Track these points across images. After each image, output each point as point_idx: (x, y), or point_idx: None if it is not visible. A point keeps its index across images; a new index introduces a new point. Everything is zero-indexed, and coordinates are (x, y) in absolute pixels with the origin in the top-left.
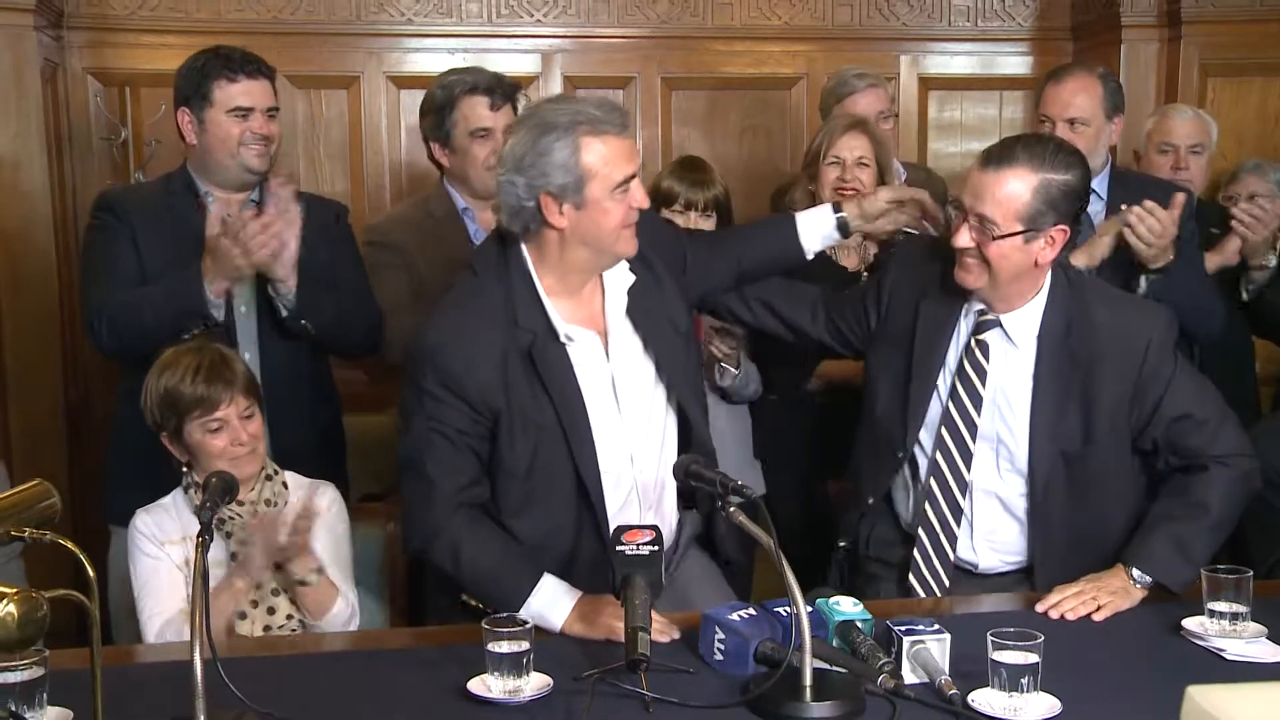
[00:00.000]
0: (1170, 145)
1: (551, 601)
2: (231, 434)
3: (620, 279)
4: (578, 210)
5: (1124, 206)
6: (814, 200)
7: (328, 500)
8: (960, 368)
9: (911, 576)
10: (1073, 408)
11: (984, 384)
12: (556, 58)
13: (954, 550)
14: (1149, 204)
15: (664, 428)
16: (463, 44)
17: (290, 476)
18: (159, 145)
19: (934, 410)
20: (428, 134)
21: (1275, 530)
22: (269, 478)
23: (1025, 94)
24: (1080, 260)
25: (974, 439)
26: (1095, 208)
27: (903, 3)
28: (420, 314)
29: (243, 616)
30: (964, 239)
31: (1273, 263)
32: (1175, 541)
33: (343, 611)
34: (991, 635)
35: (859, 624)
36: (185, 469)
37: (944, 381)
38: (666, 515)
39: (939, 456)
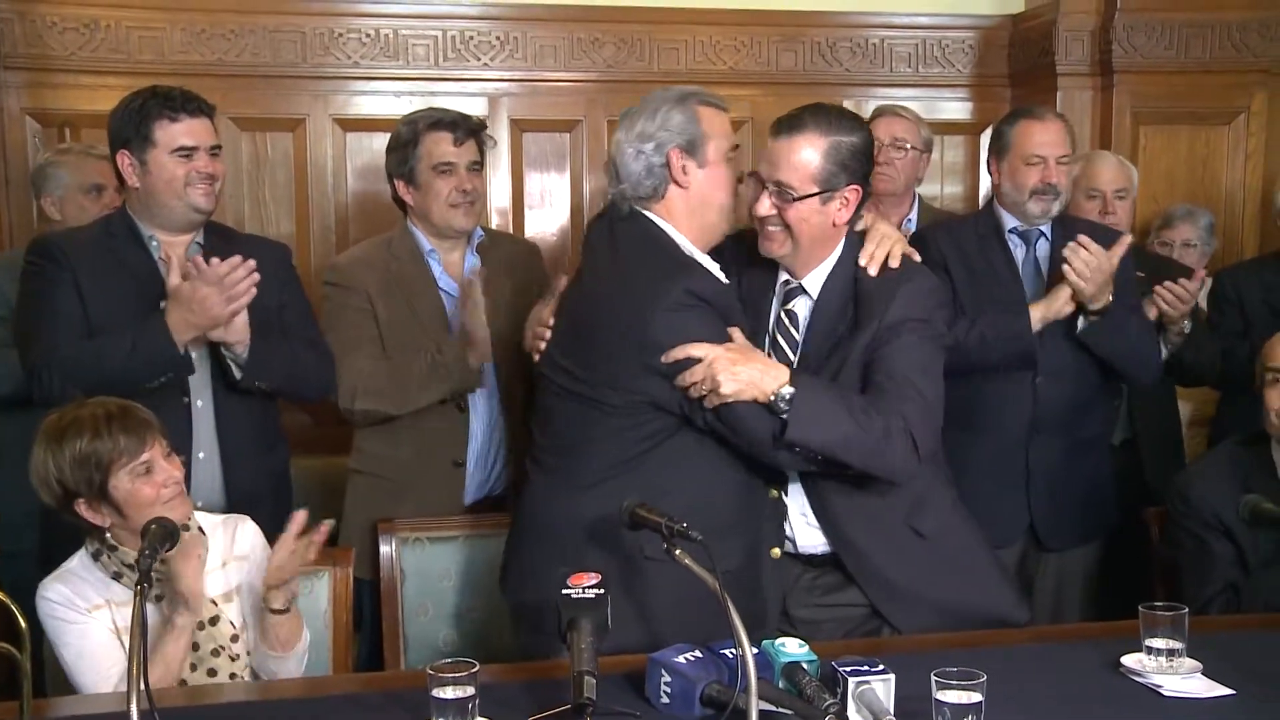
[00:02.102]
0: (1097, 191)
1: None
2: (162, 474)
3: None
4: (700, 169)
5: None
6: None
7: (250, 535)
8: (774, 340)
9: None
10: (834, 354)
11: (795, 353)
12: (503, 101)
13: (780, 532)
14: (1082, 238)
15: None
16: (409, 87)
17: (202, 518)
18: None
19: None
20: (392, 171)
21: (1210, 569)
22: (184, 528)
23: (965, 138)
24: (1037, 314)
25: None
26: (1044, 250)
27: (846, 49)
28: (377, 357)
29: (183, 684)
30: (764, 207)
31: (1188, 328)
32: (834, 393)
33: (304, 644)
34: (935, 675)
35: (805, 665)
36: (108, 533)
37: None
38: None
39: None
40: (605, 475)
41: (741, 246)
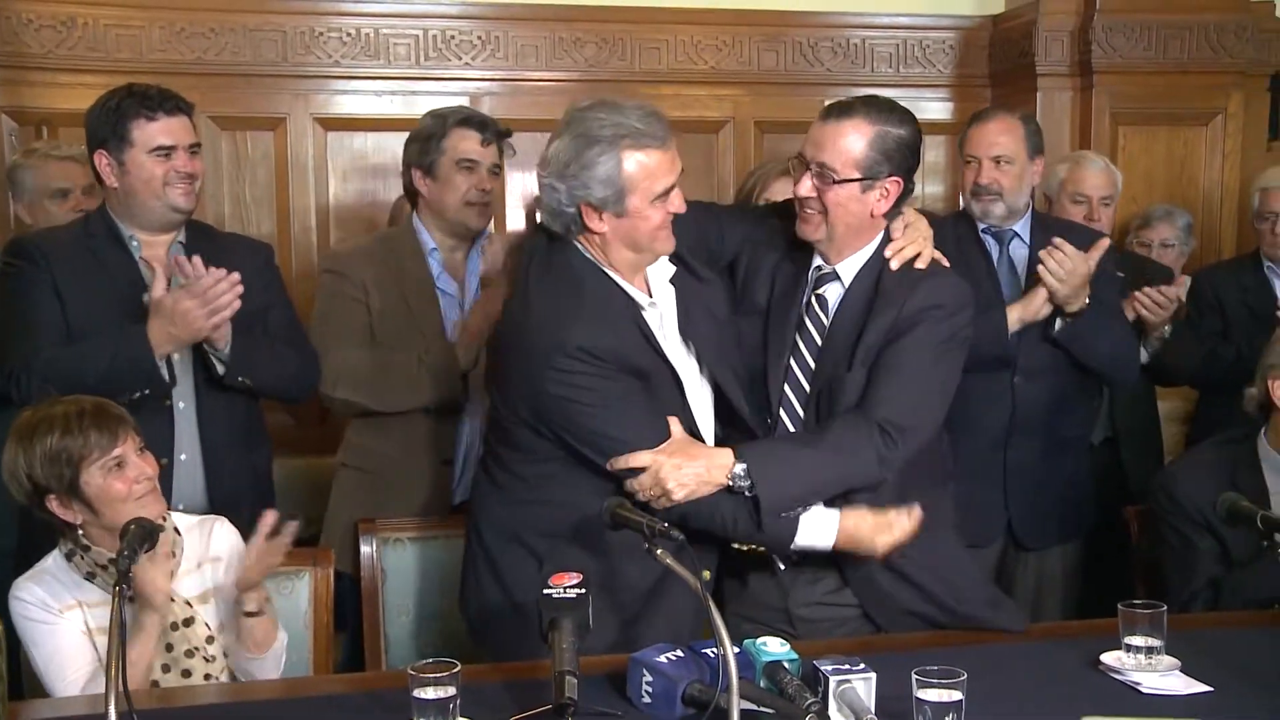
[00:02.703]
0: (1083, 196)
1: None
2: (134, 470)
3: (662, 270)
4: (618, 218)
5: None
6: None
7: (226, 536)
8: (800, 323)
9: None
10: (857, 342)
11: (821, 337)
12: (484, 100)
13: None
14: (1058, 240)
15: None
16: (390, 86)
17: (179, 518)
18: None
19: (792, 373)
20: (411, 161)
21: (1193, 565)
22: (159, 527)
23: (946, 138)
24: (1014, 315)
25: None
26: (1020, 251)
27: (827, 49)
28: (367, 348)
29: (155, 685)
30: (805, 187)
31: (1168, 333)
32: (781, 440)
33: (280, 645)
34: (916, 674)
35: (786, 664)
36: (80, 531)
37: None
38: None
39: (784, 415)
40: (534, 484)
41: (778, 242)
